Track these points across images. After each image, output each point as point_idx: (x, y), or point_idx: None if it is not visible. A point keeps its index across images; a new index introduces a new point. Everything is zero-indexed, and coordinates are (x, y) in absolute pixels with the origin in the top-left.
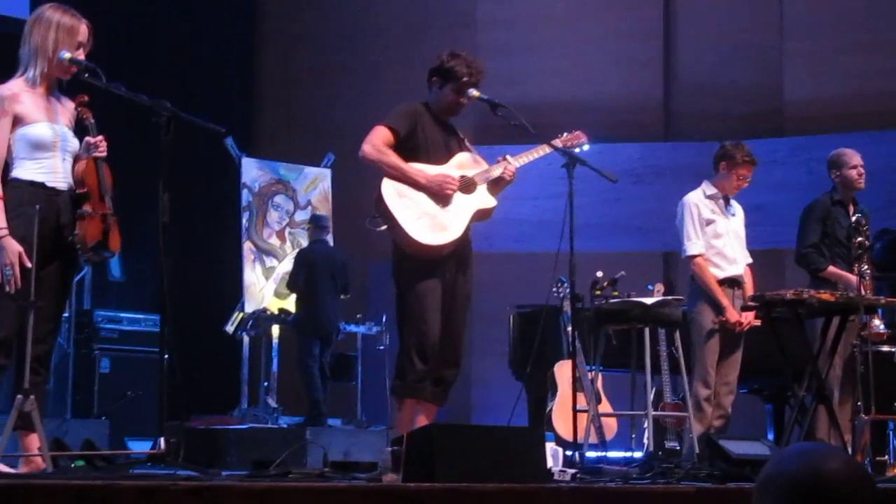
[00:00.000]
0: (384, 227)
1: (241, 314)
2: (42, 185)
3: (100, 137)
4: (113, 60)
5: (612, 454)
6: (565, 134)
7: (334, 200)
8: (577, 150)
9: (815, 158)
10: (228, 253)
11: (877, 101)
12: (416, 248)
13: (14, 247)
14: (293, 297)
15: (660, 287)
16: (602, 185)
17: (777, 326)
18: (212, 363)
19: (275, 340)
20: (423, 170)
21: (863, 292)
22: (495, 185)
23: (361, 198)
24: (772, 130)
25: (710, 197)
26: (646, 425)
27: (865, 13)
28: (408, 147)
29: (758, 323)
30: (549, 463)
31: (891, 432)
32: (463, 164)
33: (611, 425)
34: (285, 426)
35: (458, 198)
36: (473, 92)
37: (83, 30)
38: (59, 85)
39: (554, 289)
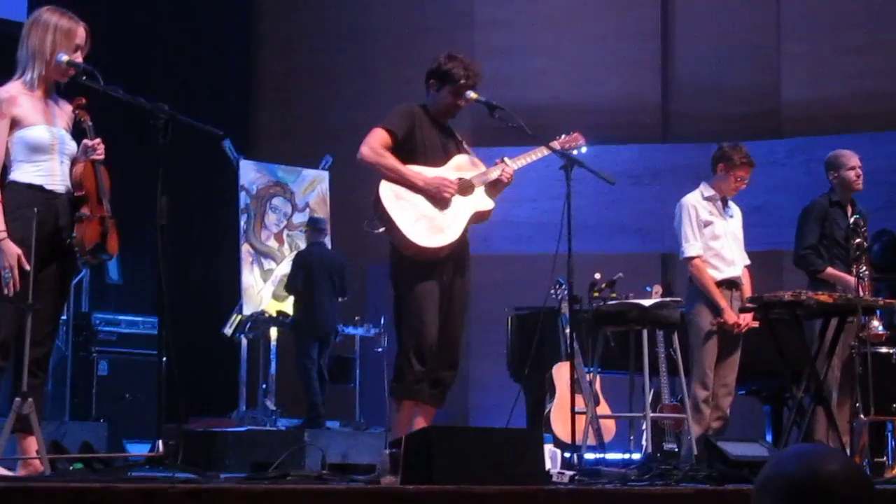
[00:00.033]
0: (382, 230)
1: (240, 316)
2: (40, 188)
3: (97, 140)
4: (110, 63)
5: (611, 456)
6: (563, 136)
7: (332, 202)
8: (575, 151)
9: (813, 159)
10: (226, 255)
11: (875, 102)
12: (414, 250)
13: (13, 250)
14: (291, 299)
15: (658, 289)
16: (600, 186)
17: (775, 328)
18: (210, 365)
19: (273, 343)
20: (421, 172)
21: (861, 293)
22: (493, 187)
23: (359, 200)
24: (770, 132)
25: (708, 198)
26: (644, 427)
27: (863, 14)
28: (406, 149)
29: (756, 324)
30: (548, 465)
31: (889, 434)
32: (461, 166)
33: (609, 427)
34: (283, 428)
35: (456, 200)
36: (471, 94)
37: (81, 32)
38: (56, 87)
39: (552, 290)
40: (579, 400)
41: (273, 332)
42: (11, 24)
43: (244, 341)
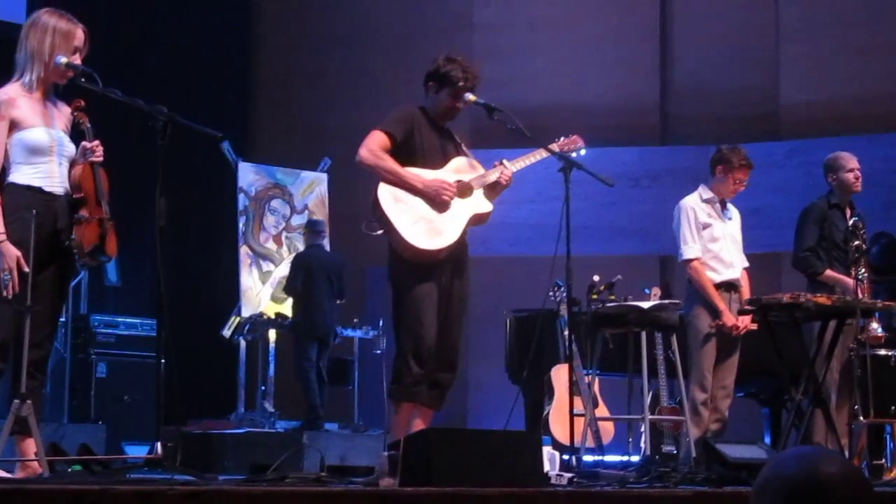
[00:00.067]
0: (380, 232)
1: (238, 318)
2: (39, 190)
3: (96, 142)
4: (109, 65)
5: (609, 458)
6: (562, 138)
7: (331, 205)
8: (574, 154)
9: (811, 161)
10: (225, 257)
11: (874, 104)
12: (413, 252)
13: (12, 252)
14: (290, 301)
15: (656, 291)
16: (599, 188)
17: (774, 330)
18: (209, 367)
19: (271, 345)
20: (420, 174)
21: (860, 296)
22: (492, 190)
23: (358, 202)
24: (769, 134)
25: (706, 201)
26: (643, 429)
27: (862, 16)
28: (404, 151)
29: (755, 326)
30: (546, 467)
31: (888, 436)
32: (459, 168)
33: (608, 429)
34: (282, 430)
35: (455, 202)
36: (470, 96)
37: (79, 34)
38: (55, 89)
39: (551, 292)
40: (578, 402)
41: (272, 334)
42: (10, 26)
43: (243, 343)
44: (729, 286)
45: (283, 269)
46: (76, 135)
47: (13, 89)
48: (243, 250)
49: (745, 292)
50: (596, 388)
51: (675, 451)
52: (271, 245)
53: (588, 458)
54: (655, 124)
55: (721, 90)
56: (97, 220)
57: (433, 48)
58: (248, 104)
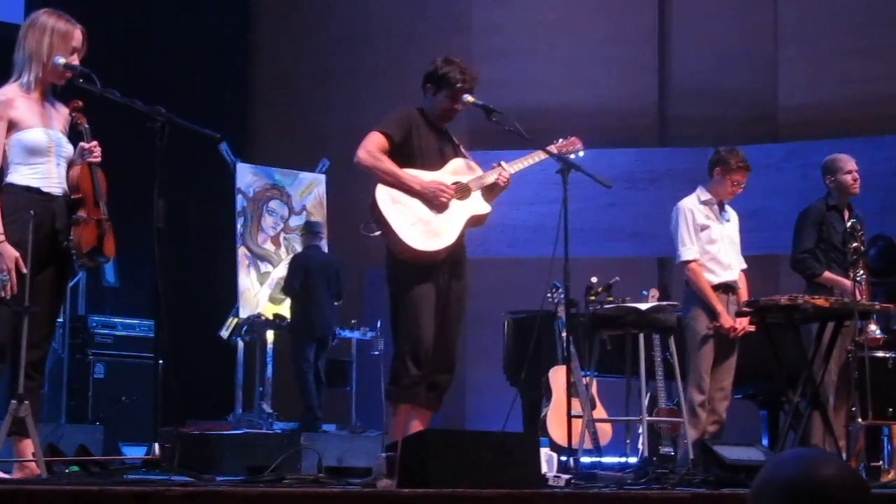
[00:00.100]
0: (378, 233)
1: (236, 319)
2: (37, 191)
3: (94, 143)
4: (107, 66)
5: (607, 460)
6: (561, 140)
7: (329, 206)
8: (572, 155)
9: (809, 164)
10: (223, 258)
11: (872, 106)
12: (410, 253)
13: (11, 252)
14: (288, 302)
15: (654, 292)
16: (597, 190)
17: (772, 332)
18: (206, 368)
19: (269, 346)
20: (418, 176)
21: (858, 297)
22: (490, 191)
23: (356, 203)
24: (767, 136)
25: (704, 202)
26: (640, 431)
27: (860, 18)
28: (402, 153)
29: (752, 328)
30: (544, 468)
31: (885, 438)
32: (457, 169)
33: (605, 431)
34: (280, 431)
35: (453, 204)
36: (468, 98)
37: (78, 35)
38: (53, 90)
39: (549, 294)
40: (576, 403)
41: (269, 334)
42: (8, 27)
43: (241, 344)
44: (727, 288)
45: (282, 270)
46: (74, 135)
47: (11, 90)
48: (241, 251)
49: (743, 294)
50: (594, 389)
51: (672, 453)
52: (269, 246)
53: (586, 459)
54: (653, 126)
55: (719, 92)
56: (95, 221)
57: (432, 49)
58: (246, 105)
